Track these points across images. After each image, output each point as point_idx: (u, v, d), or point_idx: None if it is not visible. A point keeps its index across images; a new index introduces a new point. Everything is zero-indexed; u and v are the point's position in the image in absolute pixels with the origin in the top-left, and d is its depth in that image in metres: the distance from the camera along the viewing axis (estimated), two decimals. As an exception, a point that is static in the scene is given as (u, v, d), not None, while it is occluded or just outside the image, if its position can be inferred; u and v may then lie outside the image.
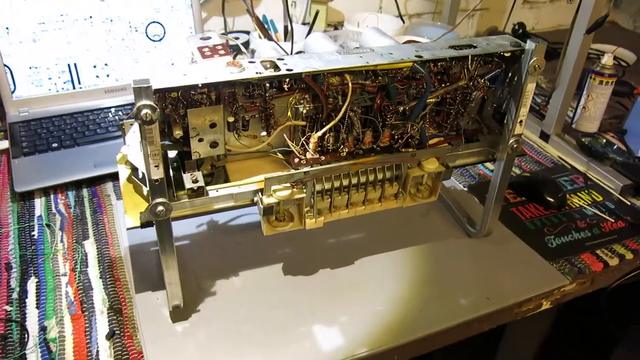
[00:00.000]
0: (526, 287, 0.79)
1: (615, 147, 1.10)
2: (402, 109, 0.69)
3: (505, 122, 0.74)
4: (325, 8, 1.30)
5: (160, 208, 0.59)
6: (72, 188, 0.93)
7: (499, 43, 0.70)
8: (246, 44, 1.25)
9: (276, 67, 0.60)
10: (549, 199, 0.96)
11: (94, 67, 1.12)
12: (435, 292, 0.77)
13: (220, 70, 0.57)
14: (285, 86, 0.63)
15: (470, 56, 0.68)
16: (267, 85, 0.62)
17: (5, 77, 1.05)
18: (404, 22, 1.43)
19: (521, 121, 0.73)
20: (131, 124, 0.69)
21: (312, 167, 0.67)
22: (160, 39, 1.17)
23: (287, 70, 0.59)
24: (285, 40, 1.22)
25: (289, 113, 0.65)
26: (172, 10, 1.17)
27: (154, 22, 1.15)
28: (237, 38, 1.28)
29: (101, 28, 1.11)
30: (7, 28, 1.04)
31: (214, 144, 0.62)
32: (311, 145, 0.67)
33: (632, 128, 1.16)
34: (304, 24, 1.36)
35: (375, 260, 0.82)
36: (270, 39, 1.16)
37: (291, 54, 1.16)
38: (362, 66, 0.62)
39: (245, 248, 0.82)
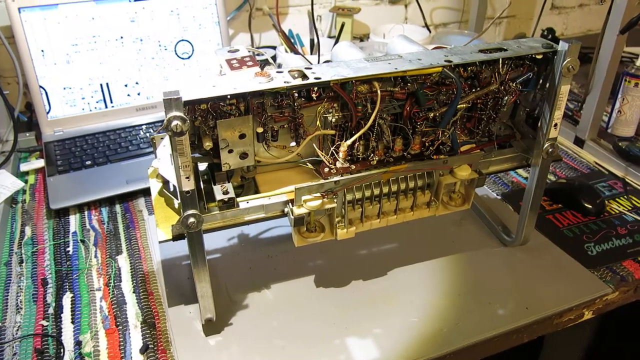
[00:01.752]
0: (566, 296, 0.76)
1: (655, 150, 1.06)
2: (432, 115, 0.68)
3: (539, 126, 0.73)
4: (350, 21, 1.30)
5: (191, 220, 0.59)
6: (106, 204, 0.94)
7: (530, 45, 0.69)
8: (273, 59, 1.26)
9: (304, 76, 0.60)
10: (586, 205, 0.93)
11: (125, 86, 1.15)
12: (471, 302, 0.75)
13: (248, 81, 0.58)
14: (314, 95, 0.63)
15: (500, 59, 0.67)
16: (296, 94, 0.62)
17: (41, 98, 1.08)
18: (430, 31, 1.42)
19: (556, 124, 0.71)
20: (162, 138, 0.70)
21: (342, 176, 0.66)
22: (189, 57, 1.19)
23: (316, 78, 0.59)
24: (311, 53, 1.23)
25: (318, 122, 0.65)
26: (200, 28, 1.18)
27: (182, 40, 1.17)
28: (262, 53, 1.29)
29: (132, 48, 1.13)
30: (42, 51, 1.06)
31: (243, 155, 0.62)
32: (341, 154, 0.66)
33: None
34: (329, 37, 1.36)
35: (409, 271, 0.80)
36: (296, 52, 1.17)
37: (318, 66, 1.16)
38: (391, 72, 0.61)
39: (276, 260, 0.82)
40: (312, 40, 1.23)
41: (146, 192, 0.96)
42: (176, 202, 0.66)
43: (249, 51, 0.68)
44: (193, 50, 1.19)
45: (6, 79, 1.19)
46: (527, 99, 0.75)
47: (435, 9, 1.49)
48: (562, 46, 0.66)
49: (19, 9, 1.03)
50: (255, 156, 0.65)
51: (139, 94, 1.16)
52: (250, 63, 0.64)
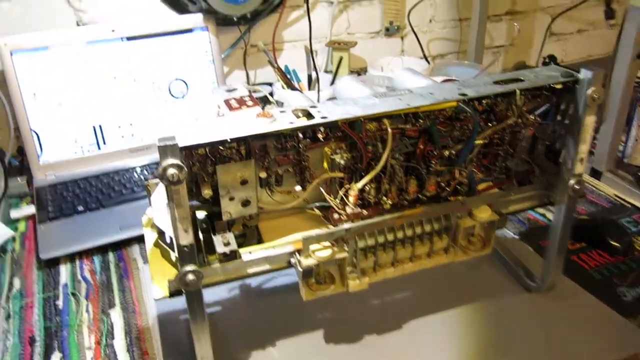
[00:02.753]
0: (605, 350, 0.69)
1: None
2: (447, 153, 0.63)
3: (562, 161, 0.68)
4: (347, 55, 1.27)
5: (190, 277, 0.53)
6: (98, 253, 0.88)
7: (548, 74, 0.64)
8: (270, 96, 1.22)
9: (309, 116, 0.56)
10: (613, 243, 0.87)
11: (119, 127, 1.10)
12: None
13: (250, 123, 0.53)
14: (320, 136, 0.58)
15: (518, 91, 0.63)
16: (301, 135, 0.57)
17: (33, 142, 1.04)
18: (429, 63, 1.39)
19: (582, 159, 0.66)
20: (156, 184, 0.65)
21: (353, 223, 0.61)
22: (184, 96, 1.15)
23: (322, 118, 0.54)
24: (309, 89, 1.19)
25: (325, 164, 0.60)
26: (195, 67, 1.15)
27: (177, 79, 1.13)
28: (259, 91, 1.25)
29: (124, 88, 1.09)
30: (34, 93, 1.02)
31: (245, 203, 0.57)
32: (351, 199, 0.61)
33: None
34: (326, 72, 1.32)
35: (427, 324, 0.73)
36: (294, 88, 1.13)
37: (318, 101, 1.12)
38: (403, 109, 0.56)
39: (281, 313, 0.75)
40: (309, 76, 1.19)
41: (140, 239, 0.90)
42: (173, 255, 0.61)
43: (247, 90, 0.64)
44: (188, 89, 1.15)
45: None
46: (546, 131, 0.70)
47: (432, 40, 1.47)
48: (584, 74, 0.62)
49: (11, 52, 0.99)
50: (258, 203, 0.59)
51: (132, 136, 1.12)
52: (250, 103, 0.59)
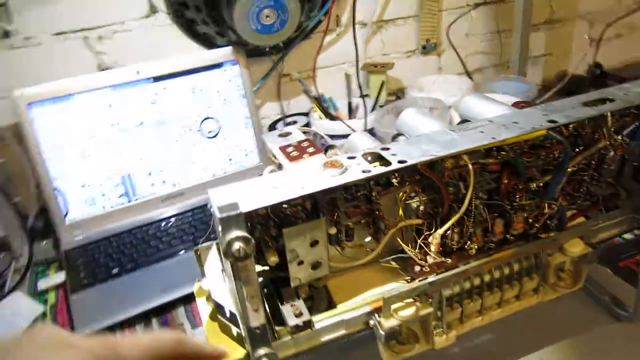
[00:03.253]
0: None
1: None
2: (534, 186, 0.56)
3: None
4: (385, 77, 1.20)
5: (263, 360, 0.46)
6: (140, 321, 0.81)
7: (638, 91, 0.57)
8: (307, 127, 1.16)
9: (382, 160, 0.48)
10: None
11: (149, 174, 1.04)
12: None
13: (316, 175, 0.46)
14: (395, 181, 0.51)
15: (609, 113, 0.55)
16: (372, 182, 0.50)
17: (56, 201, 0.97)
18: (471, 79, 1.32)
19: (684, 180, 0.58)
20: (207, 249, 0.58)
21: (437, 274, 0.53)
22: (216, 135, 1.08)
23: (400, 162, 0.47)
24: (350, 117, 1.12)
25: (400, 211, 0.53)
26: (225, 103, 1.08)
27: (207, 118, 1.07)
28: (295, 122, 1.19)
29: (153, 132, 1.03)
30: (55, 148, 0.96)
31: (316, 265, 0.50)
32: (433, 247, 0.54)
33: None
34: (362, 96, 1.26)
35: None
36: (333, 118, 1.07)
37: (365, 130, 1.05)
38: (490, 144, 0.49)
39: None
40: (349, 104, 1.13)
41: (185, 300, 0.83)
42: (234, 330, 0.54)
43: (303, 133, 0.57)
44: (220, 127, 1.09)
45: (15, 183, 1.08)
46: (635, 152, 0.63)
47: (469, 55, 1.39)
48: (686, 87, 0.54)
49: (28, 104, 0.93)
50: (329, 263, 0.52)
51: (164, 182, 1.05)
52: (311, 149, 0.52)
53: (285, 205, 0.47)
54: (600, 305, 0.73)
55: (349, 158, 0.48)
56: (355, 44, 1.19)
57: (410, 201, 0.53)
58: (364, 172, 0.46)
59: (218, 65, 1.07)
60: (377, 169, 0.46)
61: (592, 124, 0.58)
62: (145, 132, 1.02)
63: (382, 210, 0.52)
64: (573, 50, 1.54)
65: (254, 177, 1.08)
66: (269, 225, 0.48)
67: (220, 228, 0.40)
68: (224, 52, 1.07)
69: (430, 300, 0.54)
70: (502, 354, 0.68)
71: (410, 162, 0.47)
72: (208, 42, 1.13)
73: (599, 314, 0.72)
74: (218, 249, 0.58)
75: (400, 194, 0.52)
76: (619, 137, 0.60)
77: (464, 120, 0.60)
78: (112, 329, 0.79)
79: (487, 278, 0.56)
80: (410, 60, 1.34)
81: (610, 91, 0.57)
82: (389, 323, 0.52)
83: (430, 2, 1.27)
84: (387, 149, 0.49)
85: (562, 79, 1.43)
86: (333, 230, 0.51)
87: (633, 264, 0.80)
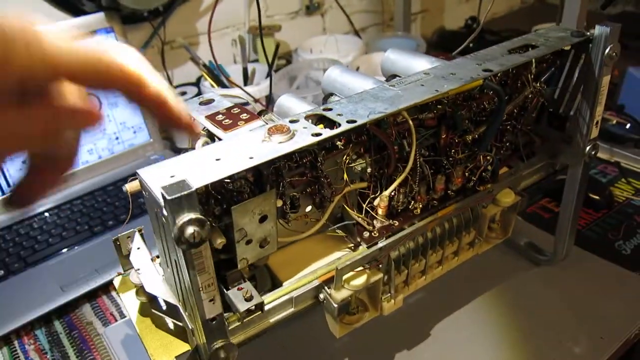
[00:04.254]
0: (631, 310, 0.66)
1: (629, 125, 1.02)
2: (469, 138, 0.55)
3: (573, 126, 0.62)
4: (273, 40, 1.14)
5: (222, 355, 0.41)
6: (40, 325, 0.71)
7: (557, 36, 0.58)
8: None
9: (325, 121, 0.44)
10: (595, 197, 0.85)
11: (24, 162, 0.90)
12: (542, 346, 0.63)
13: (265, 143, 0.41)
14: (340, 144, 0.47)
15: (533, 59, 0.56)
16: (317, 146, 0.46)
17: None
18: (360, 37, 1.31)
19: (597, 122, 0.61)
20: (128, 237, 0.50)
21: (386, 238, 0.51)
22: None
23: (349, 122, 0.43)
24: (245, 84, 1.05)
25: (345, 176, 0.49)
26: (105, 76, 0.97)
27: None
28: (184, 92, 1.10)
29: (23, 113, 0.89)
30: None
31: (264, 242, 0.45)
32: (381, 211, 0.51)
33: (629, 102, 1.08)
34: (253, 62, 1.19)
35: (452, 324, 0.67)
36: (225, 85, 1.00)
37: (271, 98, 1.00)
38: (435, 96, 0.47)
39: (294, 351, 0.64)
40: (244, 69, 1.06)
41: (90, 296, 0.74)
42: (170, 323, 0.48)
43: (226, 98, 0.51)
44: (101, 104, 0.97)
45: None
46: (549, 97, 0.65)
47: (353, 13, 1.38)
48: (599, 31, 0.56)
49: None
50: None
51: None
52: (244, 116, 0.47)
53: (227, 180, 0.42)
54: (519, 253, 0.76)
55: (292, 122, 0.44)
56: (259, 4, 1.11)
57: (355, 164, 0.49)
58: (314, 135, 0.41)
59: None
60: (328, 132, 0.42)
61: (514, 72, 0.59)
62: (14, 113, 0.88)
63: (328, 176, 0.48)
64: (446, 6, 1.58)
65: (146, 155, 1.00)
66: (210, 204, 0.42)
67: (168, 211, 0.34)
68: (96, 19, 0.95)
69: (380, 265, 0.52)
70: (435, 311, 0.68)
71: (360, 121, 0.43)
72: (74, 9, 0.99)
73: (519, 261, 0.75)
74: (142, 237, 0.50)
75: (344, 157, 0.48)
76: (538, 84, 0.61)
77: (392, 76, 0.58)
78: (7, 338, 0.68)
79: (430, 236, 0.55)
80: (295, 22, 1.30)
81: (531, 38, 0.58)
82: (341, 295, 0.49)
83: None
84: (330, 109, 0.45)
85: (440, 34, 1.48)
86: (279, 203, 0.46)
87: (539, 208, 0.85)
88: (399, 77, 0.55)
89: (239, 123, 0.46)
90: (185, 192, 0.33)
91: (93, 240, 0.82)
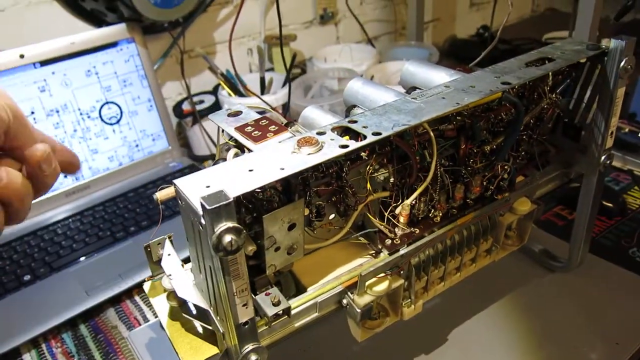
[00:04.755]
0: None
1: (640, 134, 1.03)
2: (488, 148, 0.57)
3: (590, 136, 0.64)
4: (288, 50, 1.16)
5: (253, 358, 0.42)
6: (67, 329, 0.73)
7: (574, 49, 0.59)
8: (213, 107, 1.10)
9: (350, 132, 0.46)
10: (608, 205, 0.86)
11: (47, 169, 0.92)
12: (557, 353, 0.64)
13: (295, 155, 0.42)
14: (364, 154, 0.49)
15: (550, 73, 0.57)
16: (343, 157, 0.48)
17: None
18: (374, 47, 1.32)
19: (612, 133, 0.62)
20: (159, 244, 0.52)
21: (408, 245, 0.53)
22: (118, 121, 0.99)
23: (374, 134, 0.45)
24: (262, 92, 1.08)
25: (368, 185, 0.51)
26: (125, 85, 0.99)
27: (106, 102, 0.98)
28: (202, 101, 1.12)
29: (47, 123, 0.92)
30: None
31: (291, 249, 0.47)
32: (402, 219, 0.53)
33: (640, 110, 1.10)
34: (268, 70, 1.22)
35: (468, 330, 0.68)
36: (243, 94, 1.02)
37: (288, 107, 1.02)
38: (456, 109, 0.49)
39: (314, 354, 0.66)
40: (262, 79, 1.08)
41: (114, 301, 0.76)
42: (200, 327, 0.49)
43: (256, 111, 0.53)
44: (121, 112, 0.99)
45: None
46: (565, 108, 0.66)
47: (366, 22, 1.40)
48: (615, 44, 0.57)
49: None
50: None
51: (65, 177, 0.95)
52: (273, 127, 0.48)
53: (258, 190, 0.44)
54: (534, 259, 0.78)
55: (319, 134, 0.46)
56: (279, 13, 1.14)
57: (378, 174, 0.51)
58: (342, 147, 0.43)
59: (113, 45, 0.98)
60: (355, 143, 0.44)
61: (530, 84, 0.60)
62: (37, 124, 0.91)
63: (352, 186, 0.50)
64: (457, 15, 1.60)
65: (164, 162, 1.02)
66: (241, 213, 0.44)
67: (207, 220, 0.35)
68: (118, 30, 0.98)
69: (401, 272, 0.53)
70: (452, 316, 0.70)
71: (385, 133, 0.45)
72: (96, 20, 1.02)
73: (534, 267, 0.77)
74: (171, 242, 0.52)
75: (368, 167, 0.50)
76: (554, 95, 0.62)
77: (413, 88, 0.59)
78: (35, 341, 0.70)
79: (449, 243, 0.57)
80: (309, 31, 1.32)
81: (547, 51, 0.59)
82: (364, 300, 0.51)
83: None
84: (355, 121, 0.47)
85: (452, 43, 1.49)
86: (306, 212, 0.48)
87: (553, 216, 0.86)
88: (420, 89, 0.57)
89: (268, 135, 0.47)
90: (224, 203, 0.35)
91: (116, 246, 0.84)
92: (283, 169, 0.41)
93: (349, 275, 0.52)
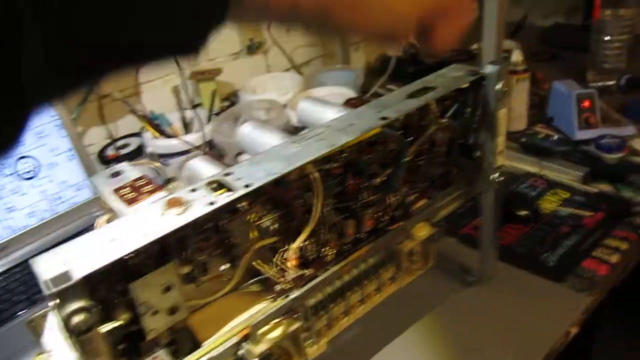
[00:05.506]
0: (554, 323, 0.70)
1: (556, 137, 1.06)
2: (378, 181, 0.57)
3: (481, 156, 0.65)
4: (215, 84, 1.17)
5: None
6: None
7: (454, 76, 0.61)
8: (139, 149, 1.09)
9: (223, 187, 0.46)
10: (522, 213, 0.88)
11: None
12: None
13: (161, 218, 0.42)
14: (243, 204, 0.49)
15: (434, 101, 0.59)
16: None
17: None
18: (301, 74, 1.33)
19: (500, 151, 0.64)
20: (42, 317, 0.51)
21: (299, 288, 0.53)
22: (35, 175, 0.97)
23: (246, 187, 0.45)
24: (186, 131, 1.07)
25: (252, 233, 0.51)
26: (40, 137, 0.97)
27: (22, 157, 0.95)
28: (127, 145, 1.11)
29: (-42, 183, 0.90)
30: None
31: (173, 310, 0.46)
32: (291, 263, 0.53)
33: (557, 113, 1.13)
34: (194, 107, 1.21)
35: (389, 354, 0.68)
36: (169, 135, 1.01)
37: (204, 145, 1.01)
38: (331, 150, 0.49)
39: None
40: (183, 118, 1.07)
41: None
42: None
43: (137, 168, 0.52)
44: (40, 165, 0.97)
45: None
46: (458, 130, 0.68)
47: (295, 49, 1.41)
48: (490, 69, 0.59)
49: None
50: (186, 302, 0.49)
51: (-16, 236, 0.92)
52: (148, 188, 0.48)
53: (127, 257, 0.43)
54: (451, 275, 0.79)
55: (192, 191, 0.45)
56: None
57: (261, 221, 0.51)
58: (210, 204, 0.43)
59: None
60: (223, 199, 0.44)
61: (419, 112, 0.61)
62: (-53, 185, 0.88)
63: (234, 237, 0.50)
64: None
65: (91, 211, 1.01)
66: (112, 282, 0.43)
67: (54, 303, 0.35)
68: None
69: (296, 314, 0.53)
70: (372, 345, 0.70)
71: (255, 185, 0.45)
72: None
73: (452, 283, 0.78)
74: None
75: (251, 216, 0.50)
76: (444, 120, 0.64)
77: (302, 127, 0.60)
78: None
79: (346, 279, 0.57)
80: (237, 62, 1.32)
81: (430, 79, 0.61)
82: (259, 349, 0.51)
83: (247, 2, 1.25)
84: (230, 173, 0.47)
85: (383, 62, 1.51)
86: (186, 269, 0.47)
87: (471, 229, 0.88)
88: (307, 128, 0.57)
89: (141, 197, 0.47)
90: (67, 285, 0.35)
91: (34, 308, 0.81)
92: (146, 235, 0.40)
93: (242, 326, 0.51)
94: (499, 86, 0.59)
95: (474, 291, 0.76)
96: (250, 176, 0.46)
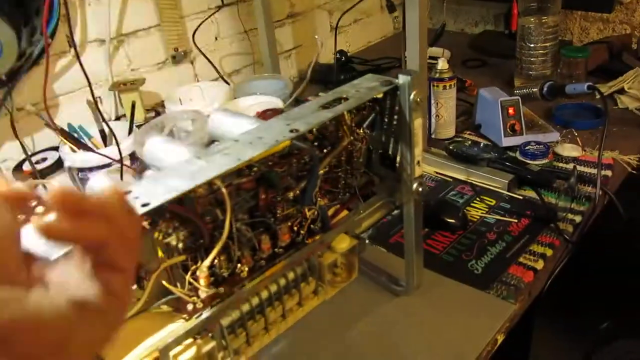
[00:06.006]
0: (480, 331, 0.70)
1: (482, 144, 1.08)
2: (292, 194, 0.56)
3: (400, 167, 0.65)
4: (138, 94, 1.13)
5: None
6: None
7: (368, 87, 0.61)
8: (59, 163, 1.04)
9: (125, 204, 0.44)
10: (450, 221, 0.89)
11: None
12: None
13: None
14: (145, 224, 0.47)
15: (346, 112, 0.58)
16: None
17: None
18: (228, 83, 1.31)
19: (418, 162, 0.64)
20: None
21: (212, 307, 0.51)
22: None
23: (144, 206, 0.43)
24: (105, 145, 1.03)
25: (160, 253, 0.49)
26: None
27: None
28: (44, 159, 1.06)
29: None
30: None
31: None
32: (202, 281, 0.51)
33: (484, 120, 1.16)
34: (117, 118, 1.17)
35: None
36: (88, 149, 0.97)
37: (122, 159, 0.98)
38: (237, 165, 0.48)
39: None
40: (101, 131, 1.03)
41: None
42: None
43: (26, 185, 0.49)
44: None
45: None
46: (377, 140, 0.68)
47: (224, 57, 1.39)
48: (403, 79, 0.59)
49: None
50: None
51: None
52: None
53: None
54: (380, 285, 0.78)
55: (87, 210, 0.43)
56: (82, 66, 1.09)
57: (168, 239, 0.49)
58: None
59: None
60: (118, 220, 0.41)
61: (334, 123, 0.61)
62: None
63: (139, 256, 0.47)
64: (319, 40, 1.63)
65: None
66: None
67: None
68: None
69: (211, 334, 0.52)
70: (298, 358, 0.69)
71: (154, 204, 0.43)
72: None
73: (380, 293, 0.77)
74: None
75: (156, 235, 0.48)
76: (361, 131, 0.64)
77: (213, 141, 0.59)
78: None
79: (265, 295, 0.56)
80: (162, 72, 1.29)
81: (344, 90, 0.60)
82: (172, 372, 0.49)
83: (169, 10, 1.23)
84: (129, 191, 0.45)
85: (314, 68, 1.52)
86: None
87: (401, 237, 0.88)
88: (216, 142, 0.56)
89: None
90: None
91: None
92: (31, 260, 0.38)
93: (152, 348, 0.49)
94: (412, 96, 0.59)
95: (401, 301, 0.76)
96: (149, 194, 0.44)
